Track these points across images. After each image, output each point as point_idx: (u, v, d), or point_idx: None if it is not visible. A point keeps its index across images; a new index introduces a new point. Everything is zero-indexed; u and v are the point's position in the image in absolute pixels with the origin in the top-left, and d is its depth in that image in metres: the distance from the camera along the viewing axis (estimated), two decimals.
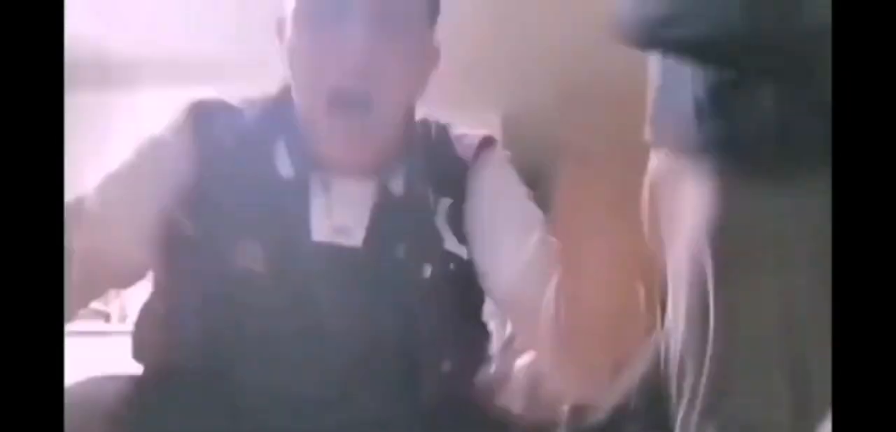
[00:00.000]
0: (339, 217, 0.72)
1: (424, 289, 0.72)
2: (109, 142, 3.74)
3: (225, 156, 0.74)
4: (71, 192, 0.65)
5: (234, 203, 0.72)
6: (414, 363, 0.71)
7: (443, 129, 0.85)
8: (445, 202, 0.76)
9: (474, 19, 3.45)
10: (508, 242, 0.74)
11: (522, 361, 1.57)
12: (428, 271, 0.73)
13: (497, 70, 3.98)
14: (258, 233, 0.70)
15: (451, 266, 0.75)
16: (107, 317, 3.66)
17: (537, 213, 0.80)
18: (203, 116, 0.80)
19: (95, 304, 3.73)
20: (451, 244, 0.75)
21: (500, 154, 0.84)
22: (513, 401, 1.10)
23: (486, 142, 0.83)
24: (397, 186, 0.75)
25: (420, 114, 0.86)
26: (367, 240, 0.72)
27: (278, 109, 0.77)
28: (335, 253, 0.71)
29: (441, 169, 0.78)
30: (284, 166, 0.74)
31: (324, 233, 0.71)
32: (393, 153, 0.76)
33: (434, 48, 0.85)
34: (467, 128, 0.86)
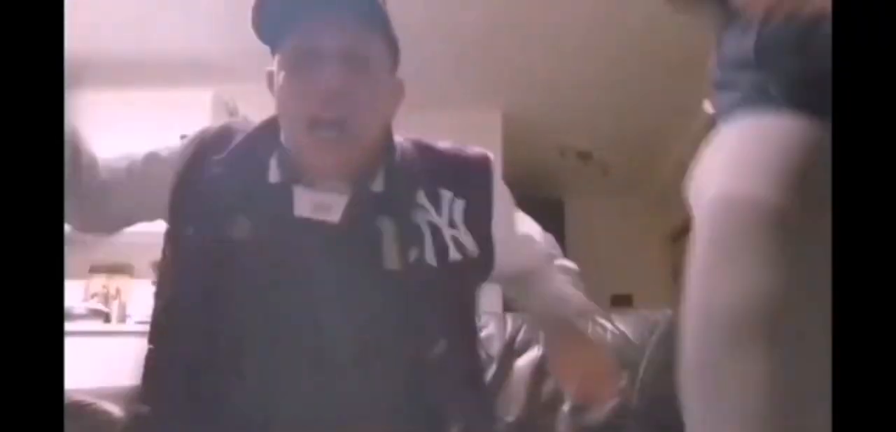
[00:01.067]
0: (320, 197, 0.84)
1: (412, 271, 0.82)
2: (109, 143, 3.74)
3: (223, 168, 0.88)
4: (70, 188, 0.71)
5: (230, 202, 0.85)
6: (406, 342, 0.81)
7: (424, 143, 0.98)
8: (460, 203, 0.89)
9: (475, 19, 3.45)
10: (522, 239, 0.98)
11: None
12: (413, 255, 0.82)
13: (497, 70, 3.99)
14: (248, 213, 0.83)
15: (453, 256, 0.86)
16: (106, 318, 3.66)
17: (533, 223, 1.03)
18: (207, 138, 0.95)
19: (95, 304, 3.73)
20: (464, 239, 0.86)
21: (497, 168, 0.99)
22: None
23: (487, 157, 1.00)
24: (377, 185, 0.88)
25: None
26: (345, 218, 0.83)
27: (271, 132, 0.92)
28: (315, 227, 0.82)
29: (450, 174, 0.92)
30: (274, 175, 0.88)
31: (304, 210, 0.83)
32: (371, 163, 0.89)
33: (398, 83, 0.96)
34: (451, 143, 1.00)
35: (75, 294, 3.82)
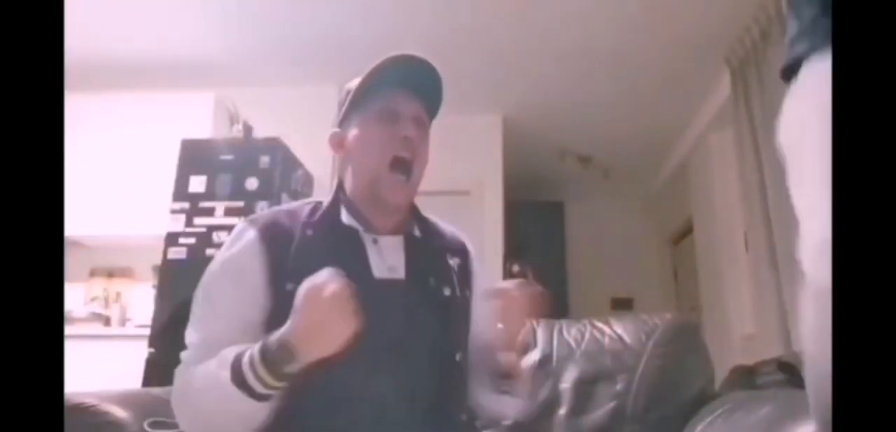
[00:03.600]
0: (388, 260, 1.13)
1: (447, 302, 1.13)
2: (111, 144, 3.76)
3: (314, 231, 1.12)
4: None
5: (317, 257, 1.03)
6: (443, 352, 1.09)
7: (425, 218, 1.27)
8: (455, 261, 1.21)
9: (475, 20, 3.46)
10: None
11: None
12: (447, 291, 1.14)
13: (497, 70, 4.00)
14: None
15: (457, 295, 1.17)
16: (107, 321, 3.66)
17: None
18: (268, 223, 1.15)
19: (96, 308, 3.74)
20: (458, 287, 1.17)
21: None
22: None
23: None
24: (417, 233, 1.20)
25: None
26: (407, 274, 1.13)
27: (335, 200, 1.19)
28: (390, 284, 1.11)
29: (448, 239, 1.26)
30: (346, 219, 1.15)
31: (381, 273, 1.11)
32: (408, 219, 1.20)
33: (427, 151, 1.21)
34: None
35: (76, 297, 3.82)
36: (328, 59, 3.77)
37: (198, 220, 3.15)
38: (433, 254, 1.18)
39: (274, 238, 1.09)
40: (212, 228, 3.12)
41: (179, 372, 1.02)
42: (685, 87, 4.08)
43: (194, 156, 3.28)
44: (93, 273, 3.97)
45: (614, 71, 3.91)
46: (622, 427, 1.46)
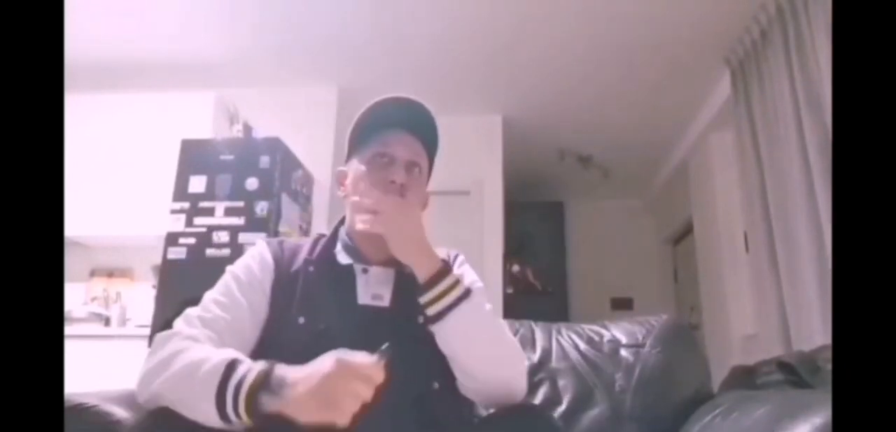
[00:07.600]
0: (375, 289, 1.19)
1: (428, 334, 1.11)
2: (109, 144, 3.76)
3: (315, 267, 1.21)
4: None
5: (320, 298, 1.16)
6: (421, 380, 1.10)
7: None
8: None
9: (475, 21, 3.46)
10: None
11: None
12: (422, 319, 1.13)
13: (497, 70, 3.99)
14: (329, 309, 1.15)
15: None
16: (107, 321, 3.66)
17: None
18: (278, 247, 1.26)
19: (96, 308, 3.74)
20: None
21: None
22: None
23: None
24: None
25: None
26: (392, 303, 1.18)
27: (331, 239, 1.27)
28: (372, 310, 1.17)
29: None
30: (343, 259, 1.23)
31: (365, 299, 1.18)
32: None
33: (427, 194, 1.29)
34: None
35: (76, 297, 3.82)
36: (328, 59, 3.77)
37: (198, 220, 3.15)
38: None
39: (281, 264, 1.20)
40: (212, 228, 3.12)
41: (169, 337, 1.06)
42: (685, 87, 4.08)
43: (194, 156, 3.28)
44: (93, 273, 3.97)
45: (614, 71, 3.91)
46: (620, 427, 1.47)
